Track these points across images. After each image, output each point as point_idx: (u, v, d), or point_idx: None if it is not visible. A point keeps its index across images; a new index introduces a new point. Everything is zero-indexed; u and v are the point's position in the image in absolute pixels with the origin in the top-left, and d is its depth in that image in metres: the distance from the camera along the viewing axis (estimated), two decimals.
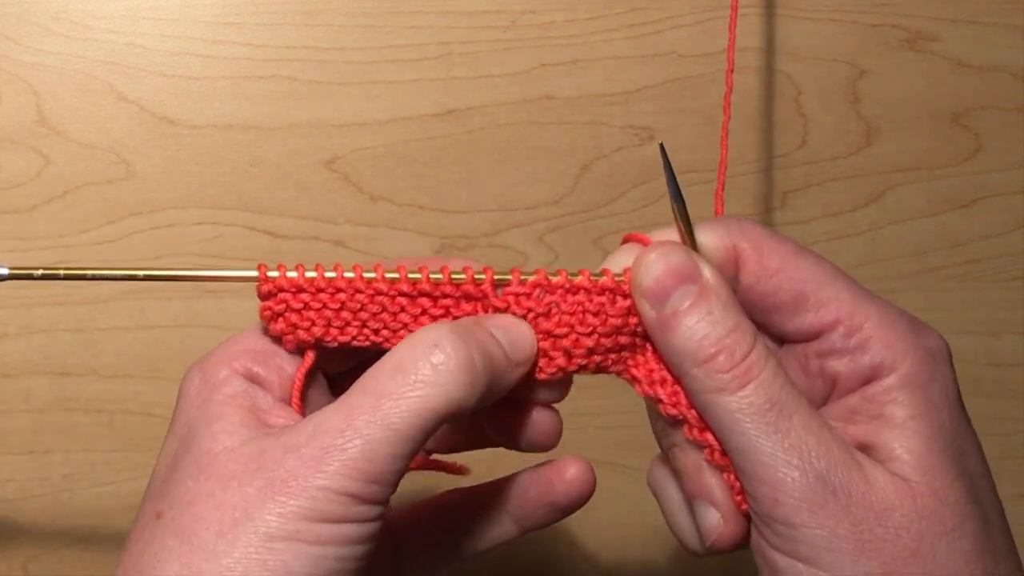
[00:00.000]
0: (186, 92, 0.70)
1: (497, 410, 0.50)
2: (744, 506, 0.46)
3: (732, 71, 0.56)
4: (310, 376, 0.49)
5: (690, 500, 0.48)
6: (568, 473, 0.53)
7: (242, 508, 0.42)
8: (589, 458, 0.77)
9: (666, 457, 0.50)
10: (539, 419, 0.52)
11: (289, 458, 0.43)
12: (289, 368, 0.48)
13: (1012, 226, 0.77)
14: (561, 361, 0.48)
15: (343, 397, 0.44)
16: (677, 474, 0.49)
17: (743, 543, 0.47)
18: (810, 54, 0.74)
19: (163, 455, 0.46)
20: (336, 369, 0.51)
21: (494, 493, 0.54)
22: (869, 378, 0.46)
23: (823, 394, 0.47)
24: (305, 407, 0.48)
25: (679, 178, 0.49)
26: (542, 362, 0.48)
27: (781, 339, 0.49)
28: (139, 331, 0.71)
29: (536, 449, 0.53)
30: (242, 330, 0.49)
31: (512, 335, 0.47)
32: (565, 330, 0.48)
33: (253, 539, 0.41)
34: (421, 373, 0.44)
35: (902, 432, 0.44)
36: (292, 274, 0.47)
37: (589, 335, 0.48)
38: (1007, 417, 0.78)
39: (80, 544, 0.72)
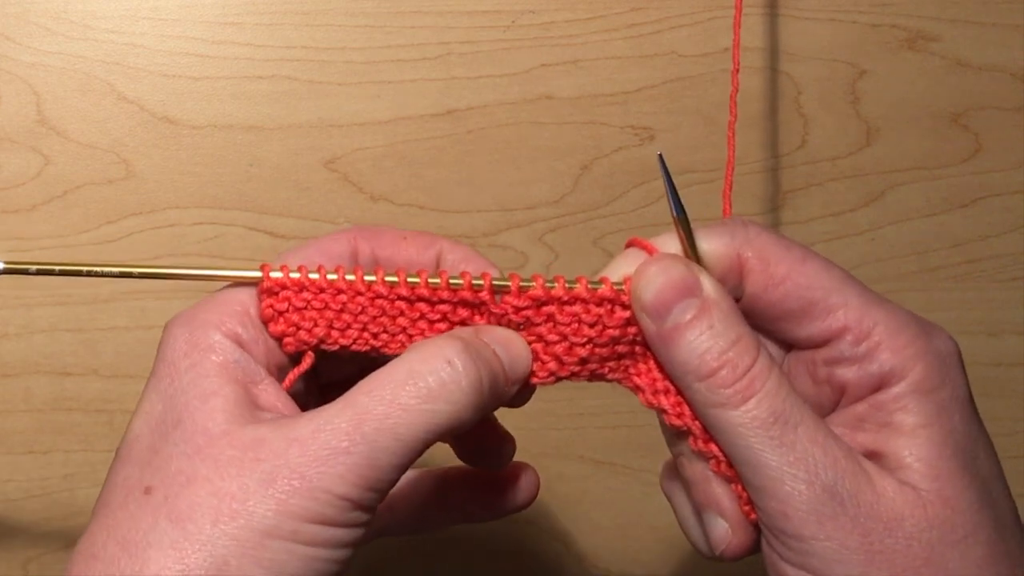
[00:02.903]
0: (186, 92, 0.70)
1: None
2: (753, 516, 0.46)
3: (738, 71, 0.56)
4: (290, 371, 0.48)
5: (699, 510, 0.48)
6: (519, 479, 0.54)
7: (240, 500, 0.41)
8: (589, 458, 0.77)
9: (676, 466, 0.50)
10: (499, 443, 0.53)
11: (292, 453, 0.42)
12: (274, 339, 0.48)
13: (1012, 226, 0.77)
14: (552, 366, 0.48)
15: (347, 397, 0.44)
16: (685, 483, 0.49)
17: (753, 551, 0.47)
18: (810, 54, 0.74)
19: (144, 414, 0.45)
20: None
21: (438, 482, 0.54)
22: (878, 386, 0.45)
23: (832, 401, 0.47)
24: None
25: (678, 181, 0.48)
26: (534, 366, 0.48)
27: (789, 346, 0.49)
28: (139, 331, 0.71)
29: (487, 466, 0.54)
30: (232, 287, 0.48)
31: (511, 353, 0.47)
32: (558, 337, 0.47)
33: (250, 534, 0.41)
34: (433, 387, 0.43)
35: (911, 440, 0.44)
36: (295, 275, 0.47)
37: (583, 345, 0.47)
38: (1007, 417, 0.78)
39: None
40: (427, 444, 0.44)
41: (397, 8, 0.71)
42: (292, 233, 0.71)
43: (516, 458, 0.54)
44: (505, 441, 0.54)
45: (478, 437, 0.52)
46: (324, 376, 0.52)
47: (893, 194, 0.76)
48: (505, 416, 0.55)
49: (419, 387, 0.43)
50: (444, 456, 0.55)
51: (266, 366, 0.47)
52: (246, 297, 0.47)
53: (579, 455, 0.76)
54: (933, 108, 0.75)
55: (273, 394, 0.46)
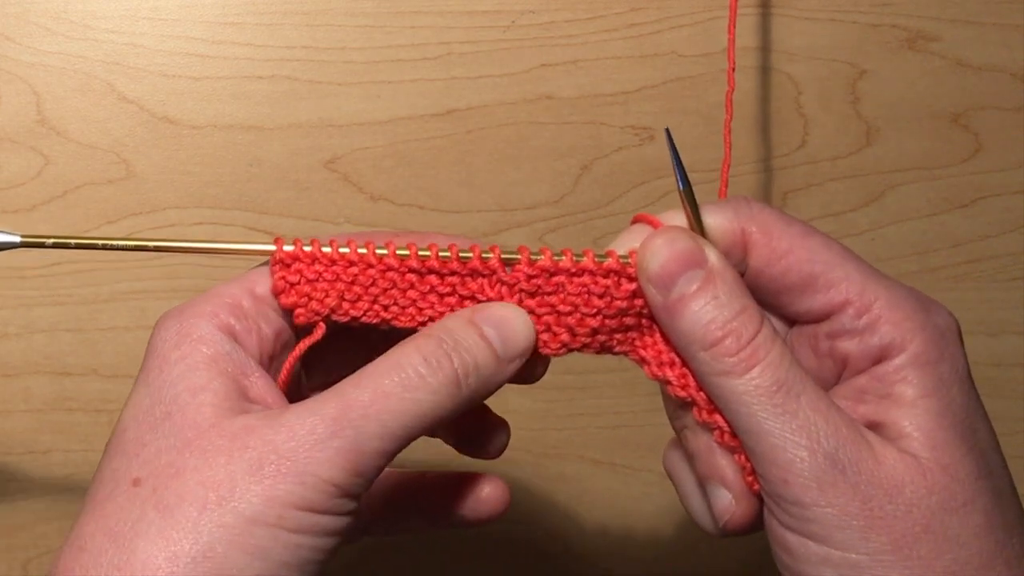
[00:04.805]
0: (186, 92, 0.70)
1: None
2: (756, 487, 0.46)
3: (734, 69, 0.56)
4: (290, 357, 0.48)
5: (703, 482, 0.49)
6: (483, 491, 0.54)
7: (228, 487, 0.42)
8: (589, 458, 0.77)
9: (679, 440, 0.50)
10: (493, 429, 0.53)
11: (279, 439, 0.43)
12: (267, 329, 0.48)
13: (1012, 226, 0.77)
14: (565, 337, 0.48)
15: (334, 388, 0.44)
16: (689, 456, 0.49)
17: (757, 524, 0.47)
18: (810, 54, 0.74)
19: (133, 407, 0.46)
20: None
21: (414, 485, 0.54)
22: (879, 358, 0.46)
23: (834, 374, 0.48)
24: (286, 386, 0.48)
25: None
26: (546, 337, 0.49)
27: (792, 320, 0.49)
28: (139, 331, 0.71)
29: (479, 456, 0.54)
30: (225, 281, 0.49)
31: (506, 332, 0.47)
32: (569, 308, 0.48)
33: (236, 520, 0.41)
34: (414, 379, 0.44)
35: (912, 410, 0.44)
36: (307, 248, 0.48)
37: (594, 316, 0.48)
38: (1007, 417, 0.78)
39: None
40: (411, 432, 0.44)
41: (397, 8, 0.71)
42: (292, 233, 0.71)
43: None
44: (498, 428, 0.54)
45: (470, 424, 0.53)
46: (315, 379, 0.52)
47: (893, 194, 0.76)
48: (506, 417, 0.55)
49: (401, 377, 0.44)
50: (441, 454, 0.55)
51: (259, 358, 0.47)
52: (238, 291, 0.48)
53: (579, 455, 0.76)
54: (933, 108, 0.75)
55: (263, 387, 0.46)
